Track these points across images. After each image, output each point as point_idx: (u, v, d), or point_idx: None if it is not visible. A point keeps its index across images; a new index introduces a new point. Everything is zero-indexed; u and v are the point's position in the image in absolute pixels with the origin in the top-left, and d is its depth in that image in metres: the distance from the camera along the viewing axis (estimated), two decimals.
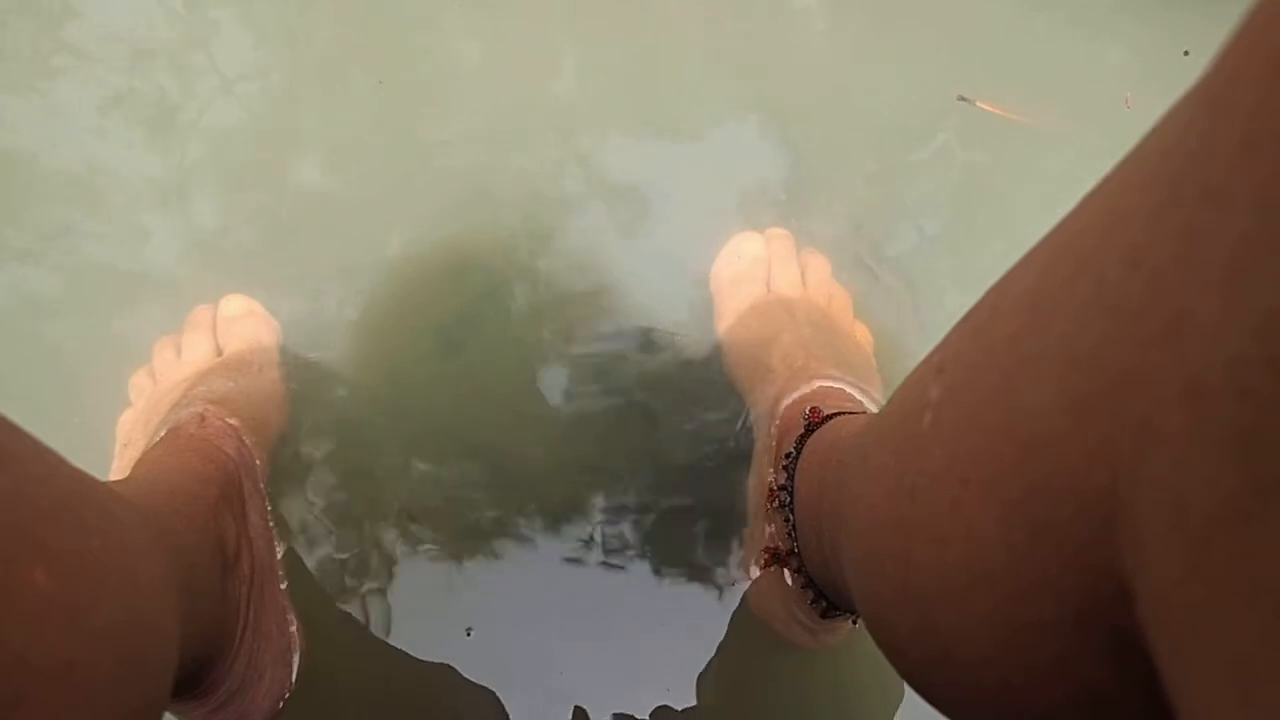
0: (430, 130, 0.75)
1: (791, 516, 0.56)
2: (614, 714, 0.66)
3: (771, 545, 0.61)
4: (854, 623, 0.60)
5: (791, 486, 0.56)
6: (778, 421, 0.61)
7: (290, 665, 0.63)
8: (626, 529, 0.68)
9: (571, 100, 0.76)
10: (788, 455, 0.57)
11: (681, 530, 0.68)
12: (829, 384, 0.61)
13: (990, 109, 0.74)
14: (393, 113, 0.75)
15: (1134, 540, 0.20)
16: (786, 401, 0.61)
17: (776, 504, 0.58)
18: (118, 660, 0.32)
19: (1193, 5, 0.77)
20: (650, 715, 0.66)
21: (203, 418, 0.61)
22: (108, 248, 0.73)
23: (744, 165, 0.75)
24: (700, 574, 0.68)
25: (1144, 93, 0.76)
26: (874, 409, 0.60)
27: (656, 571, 0.68)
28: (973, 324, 0.31)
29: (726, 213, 0.74)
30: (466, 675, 0.66)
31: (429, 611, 0.67)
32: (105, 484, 0.41)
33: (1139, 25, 0.78)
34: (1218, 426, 0.17)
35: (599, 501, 0.69)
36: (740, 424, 0.70)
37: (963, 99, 0.73)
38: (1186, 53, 0.75)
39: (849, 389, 0.61)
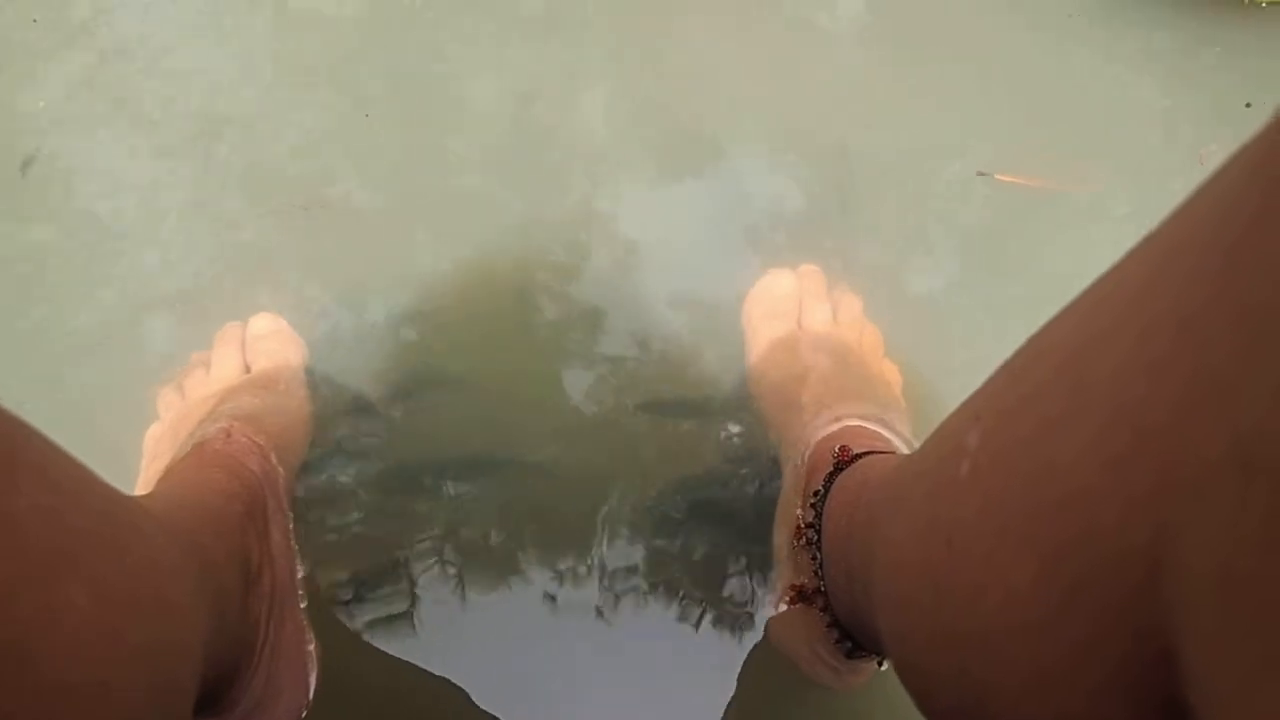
0: (461, 159, 0.76)
1: (818, 554, 0.56)
2: None
3: (798, 583, 0.60)
4: (879, 664, 0.60)
5: (819, 524, 0.56)
6: (806, 458, 0.61)
7: (307, 684, 0.63)
8: (651, 562, 0.68)
9: (598, 135, 0.76)
10: (816, 493, 0.57)
11: (707, 564, 0.68)
12: (858, 423, 0.60)
13: (1010, 180, 0.74)
14: (422, 138, 0.76)
15: (1177, 605, 0.20)
16: (815, 439, 0.61)
17: (804, 541, 0.58)
18: (148, 681, 0.32)
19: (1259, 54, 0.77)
20: None
21: (229, 434, 0.62)
22: (138, 261, 0.73)
23: (774, 201, 0.75)
24: (725, 609, 0.67)
25: (1186, 137, 0.76)
26: (903, 449, 0.59)
27: (681, 605, 0.67)
28: (1010, 372, 0.31)
29: (759, 248, 0.74)
30: (482, 701, 0.66)
31: (446, 634, 0.67)
32: (135, 500, 0.41)
33: (1182, 75, 0.78)
34: (1267, 496, 0.17)
35: (624, 534, 0.68)
36: (768, 460, 0.69)
37: (981, 174, 0.73)
38: (1249, 105, 0.75)
39: (878, 428, 0.60)
